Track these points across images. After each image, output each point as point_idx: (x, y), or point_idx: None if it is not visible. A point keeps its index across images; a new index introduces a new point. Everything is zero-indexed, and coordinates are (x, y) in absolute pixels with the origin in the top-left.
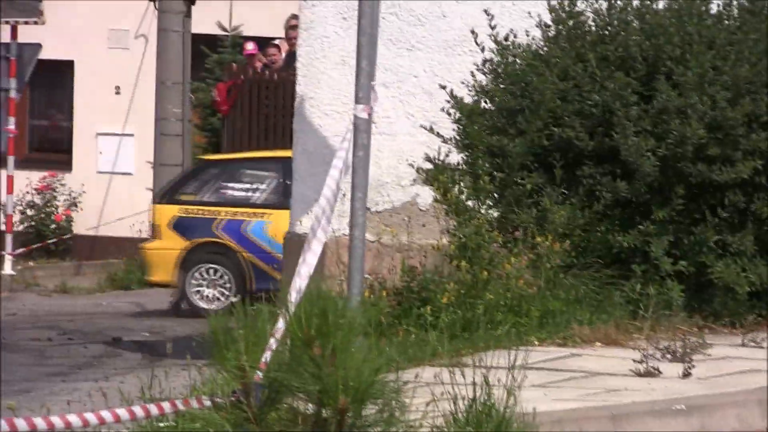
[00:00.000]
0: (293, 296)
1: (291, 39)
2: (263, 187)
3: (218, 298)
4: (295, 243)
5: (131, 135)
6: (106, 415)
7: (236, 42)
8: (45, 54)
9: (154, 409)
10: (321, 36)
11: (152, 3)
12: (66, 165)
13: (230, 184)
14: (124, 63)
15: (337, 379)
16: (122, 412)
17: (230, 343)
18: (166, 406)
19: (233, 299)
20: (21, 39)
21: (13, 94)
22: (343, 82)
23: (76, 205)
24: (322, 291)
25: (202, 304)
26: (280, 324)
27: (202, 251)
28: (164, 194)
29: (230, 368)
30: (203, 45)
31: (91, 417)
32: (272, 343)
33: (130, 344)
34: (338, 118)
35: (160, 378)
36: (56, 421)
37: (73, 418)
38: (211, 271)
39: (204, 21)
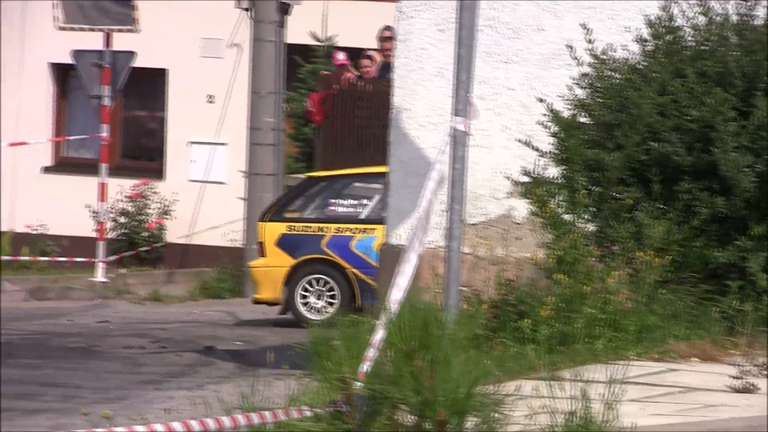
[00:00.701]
0: (391, 308)
1: (385, 50)
2: (368, 202)
3: (326, 309)
4: (390, 254)
5: (224, 144)
6: (209, 423)
7: (330, 52)
8: (138, 62)
9: (255, 418)
10: (417, 48)
11: (247, 12)
12: (158, 173)
13: (336, 200)
14: (217, 72)
15: (437, 392)
16: (226, 421)
17: (330, 354)
18: (267, 415)
19: (329, 310)
20: (115, 47)
21: (106, 101)
22: (439, 94)
23: (168, 214)
24: (423, 303)
25: (309, 315)
26: (379, 335)
27: (309, 266)
28: (270, 212)
29: (330, 378)
30: (297, 55)
31: (194, 425)
32: (371, 353)
33: (223, 353)
34: (434, 130)
35: (258, 387)
36: (158, 428)
37: (177, 426)
38: (321, 282)
39: (298, 31)
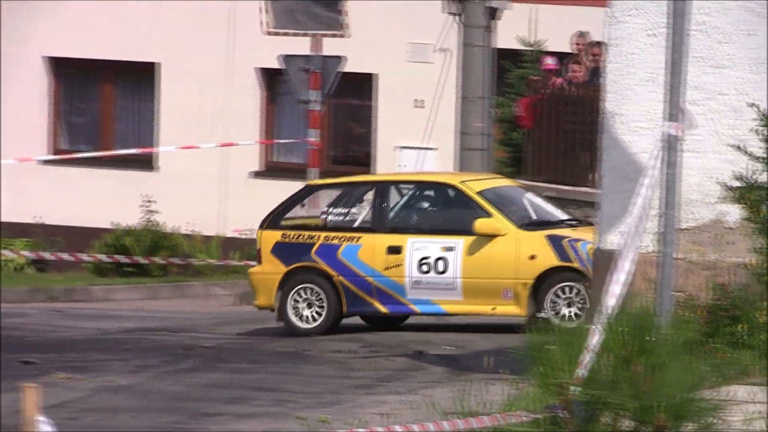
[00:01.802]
0: (604, 314)
1: (594, 55)
2: (355, 211)
3: (313, 318)
4: (602, 259)
5: (433, 149)
6: (430, 426)
7: (538, 57)
8: (347, 67)
9: (474, 422)
10: (628, 53)
11: (455, 18)
12: None
13: (328, 209)
14: (425, 76)
15: (656, 397)
16: (445, 425)
17: (546, 359)
18: (486, 419)
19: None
20: (324, 51)
21: (315, 106)
22: (650, 99)
23: None
24: (638, 308)
25: (299, 323)
26: (594, 340)
27: (300, 274)
28: (268, 219)
29: (547, 383)
30: (505, 59)
31: (416, 429)
32: (587, 358)
33: (434, 358)
34: (645, 135)
35: (472, 391)
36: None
37: (398, 428)
38: (309, 291)
39: (506, 36)
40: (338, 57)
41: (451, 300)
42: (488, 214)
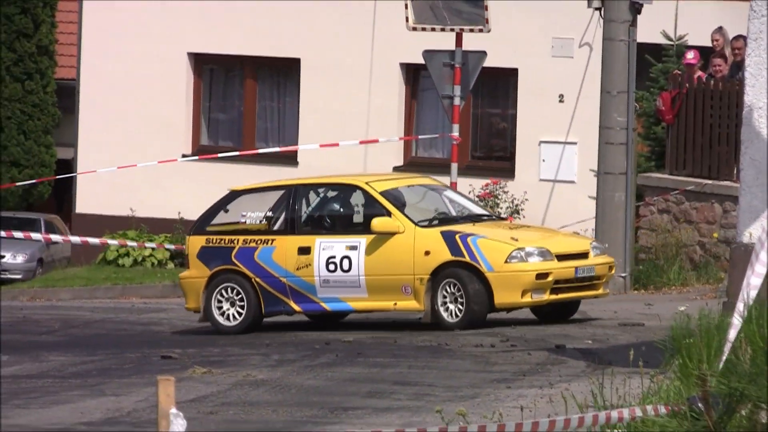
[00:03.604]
0: (741, 306)
1: (735, 49)
2: (271, 214)
3: (236, 318)
4: (742, 253)
5: (574, 143)
6: (573, 420)
7: (681, 51)
8: (489, 62)
9: (614, 415)
10: None
11: (598, 12)
12: (508, 172)
13: (248, 213)
14: (568, 71)
15: None
16: (588, 418)
17: (686, 351)
18: (625, 412)
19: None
20: (465, 46)
21: (457, 101)
22: None
23: (518, 212)
24: None
25: (224, 322)
26: (732, 333)
27: (222, 276)
28: (195, 225)
29: (686, 375)
30: (647, 54)
31: (559, 421)
32: (726, 351)
33: (573, 352)
34: None
35: (611, 385)
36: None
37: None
38: (231, 290)
39: (649, 30)
40: (481, 52)
41: (357, 297)
42: (389, 213)
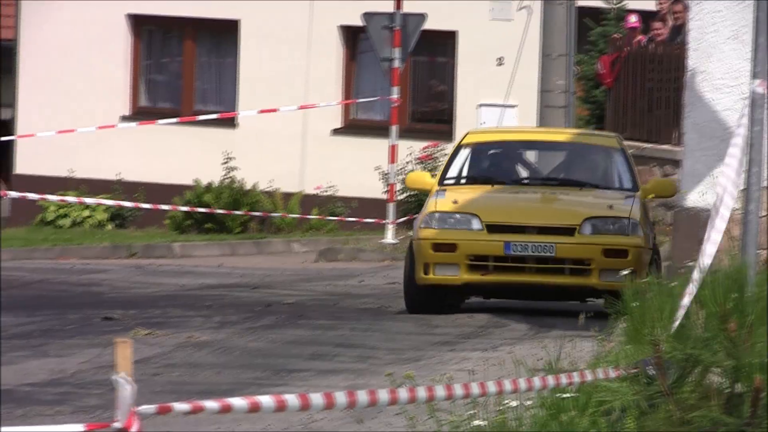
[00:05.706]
0: (695, 273)
1: (675, 13)
2: None
3: None
4: (684, 217)
5: (513, 106)
6: (521, 383)
7: (620, 15)
8: (428, 24)
9: (563, 379)
10: (712, 11)
11: None
12: (447, 135)
13: None
14: (507, 34)
15: (753, 356)
16: (536, 381)
17: (638, 315)
18: (575, 375)
19: None
20: (405, 9)
21: (396, 64)
22: (735, 57)
23: None
24: (734, 266)
25: None
26: (686, 300)
27: None
28: None
29: (637, 340)
30: (587, 18)
31: (507, 385)
32: (679, 315)
33: (516, 315)
34: (729, 93)
35: (557, 348)
36: (475, 387)
37: (491, 386)
38: None
39: None
40: (420, 15)
41: None
42: None
